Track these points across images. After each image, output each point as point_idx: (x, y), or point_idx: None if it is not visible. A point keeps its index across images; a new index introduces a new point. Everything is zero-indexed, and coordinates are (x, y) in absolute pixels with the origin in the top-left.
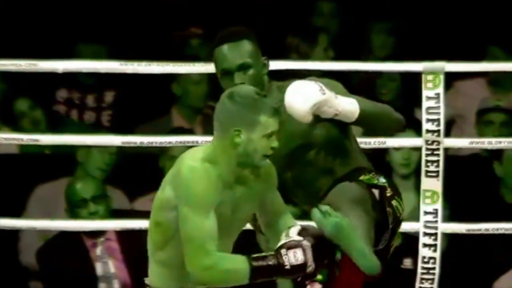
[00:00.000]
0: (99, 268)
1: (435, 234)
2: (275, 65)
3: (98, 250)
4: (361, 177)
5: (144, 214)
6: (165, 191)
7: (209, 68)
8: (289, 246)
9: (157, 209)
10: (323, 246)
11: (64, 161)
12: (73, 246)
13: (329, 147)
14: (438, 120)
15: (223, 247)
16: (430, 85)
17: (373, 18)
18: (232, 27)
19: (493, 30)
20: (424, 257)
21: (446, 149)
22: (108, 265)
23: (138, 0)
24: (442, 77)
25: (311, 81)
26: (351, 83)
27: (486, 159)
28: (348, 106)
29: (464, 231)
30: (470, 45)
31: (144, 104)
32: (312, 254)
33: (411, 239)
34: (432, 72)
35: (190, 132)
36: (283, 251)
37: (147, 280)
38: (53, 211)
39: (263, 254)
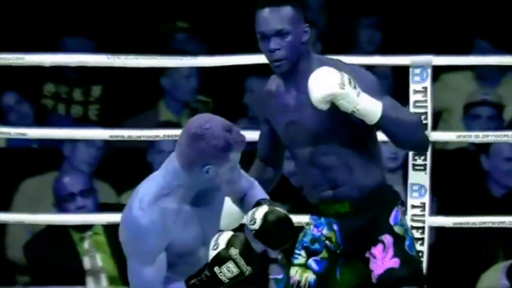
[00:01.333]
0: (86, 262)
1: (423, 227)
2: (263, 59)
3: (86, 244)
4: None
5: None
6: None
7: (196, 62)
8: (221, 262)
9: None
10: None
11: (51, 155)
12: (61, 240)
13: (355, 144)
14: (425, 113)
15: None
16: (417, 78)
17: (360, 12)
18: None
19: (480, 24)
20: None
21: (433, 143)
22: (96, 258)
23: None
24: (429, 70)
25: (337, 72)
26: None
27: (473, 153)
28: (369, 106)
29: (451, 225)
30: (457, 39)
31: (131, 98)
32: (244, 259)
33: None
34: (420, 66)
35: (177, 125)
36: (216, 269)
37: None
38: (40, 206)
39: (201, 276)
